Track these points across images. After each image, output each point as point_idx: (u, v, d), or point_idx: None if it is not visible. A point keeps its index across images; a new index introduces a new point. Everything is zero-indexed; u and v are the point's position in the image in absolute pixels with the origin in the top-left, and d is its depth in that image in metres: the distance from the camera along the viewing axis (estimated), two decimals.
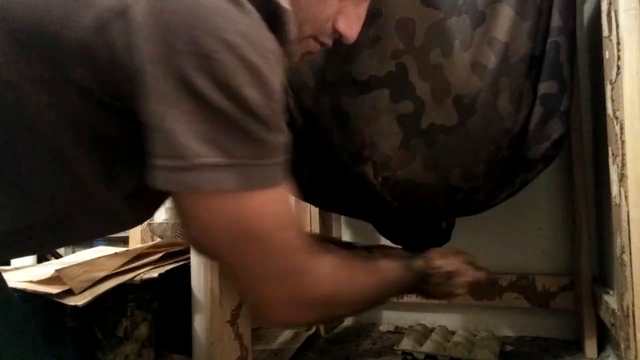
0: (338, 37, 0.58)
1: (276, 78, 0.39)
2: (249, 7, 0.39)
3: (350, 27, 0.56)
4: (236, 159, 0.39)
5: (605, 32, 0.74)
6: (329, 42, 0.58)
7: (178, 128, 0.37)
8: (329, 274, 0.51)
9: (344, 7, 0.55)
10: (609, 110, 0.75)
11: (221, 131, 0.38)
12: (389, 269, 0.66)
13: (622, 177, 0.70)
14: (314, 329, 1.27)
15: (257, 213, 0.41)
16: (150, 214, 0.56)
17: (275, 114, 0.40)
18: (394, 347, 1.10)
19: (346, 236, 1.44)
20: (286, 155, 0.43)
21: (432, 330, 1.20)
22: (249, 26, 0.38)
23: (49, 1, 0.39)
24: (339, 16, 0.55)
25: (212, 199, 0.39)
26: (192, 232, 0.43)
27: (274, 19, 0.42)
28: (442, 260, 0.74)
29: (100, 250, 0.95)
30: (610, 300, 0.93)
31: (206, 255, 0.57)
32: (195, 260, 0.83)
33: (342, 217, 1.43)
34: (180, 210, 0.42)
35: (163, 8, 0.36)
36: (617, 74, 0.69)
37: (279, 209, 0.44)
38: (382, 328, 1.31)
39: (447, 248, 0.85)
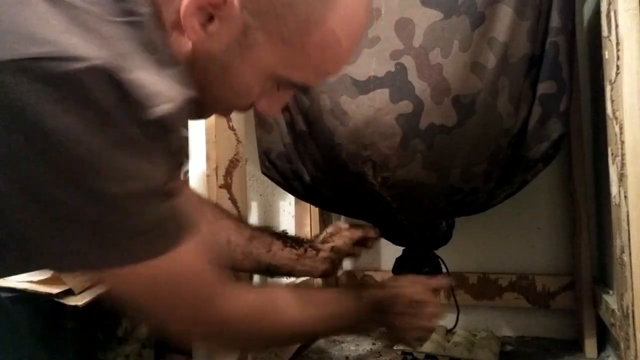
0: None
1: (129, 158, 0.35)
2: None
3: (270, 107, 0.52)
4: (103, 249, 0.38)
5: (604, 32, 0.74)
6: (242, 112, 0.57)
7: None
8: (247, 313, 0.52)
9: (267, 91, 0.49)
10: (609, 110, 0.75)
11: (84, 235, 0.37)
12: (334, 299, 0.63)
13: (621, 177, 0.70)
14: None
15: (152, 279, 0.42)
16: None
17: (135, 195, 0.37)
18: (394, 347, 1.10)
19: None
20: (167, 217, 0.40)
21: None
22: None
23: None
24: (261, 97, 0.49)
25: (110, 276, 0.41)
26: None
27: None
28: (406, 288, 0.69)
29: None
30: (610, 300, 0.93)
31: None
32: None
33: (342, 217, 1.43)
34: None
35: None
36: (617, 74, 0.69)
37: (180, 268, 0.43)
38: (382, 328, 1.31)
39: (409, 276, 0.80)
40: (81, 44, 0.32)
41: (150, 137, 0.35)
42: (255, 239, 0.77)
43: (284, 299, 0.58)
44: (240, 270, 0.88)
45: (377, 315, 0.66)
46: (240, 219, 0.80)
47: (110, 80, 0.33)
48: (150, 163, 0.36)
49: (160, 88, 0.35)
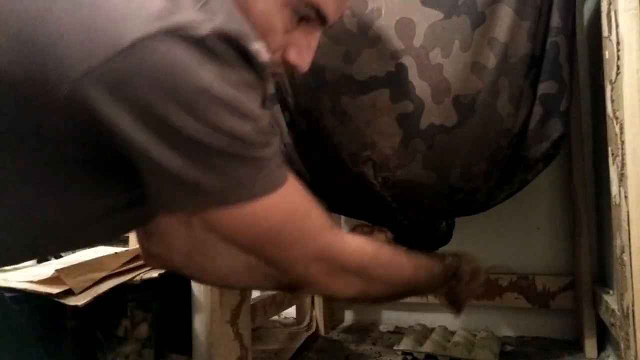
0: (291, 68, 0.56)
1: (252, 102, 0.42)
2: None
3: (301, 57, 0.54)
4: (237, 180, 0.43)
5: (605, 32, 0.74)
6: (279, 71, 0.59)
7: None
8: (359, 247, 0.56)
9: (293, 38, 0.52)
10: (609, 110, 0.75)
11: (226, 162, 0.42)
12: (425, 258, 0.67)
13: (622, 177, 0.70)
14: (314, 328, 1.27)
15: (272, 214, 0.47)
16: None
17: (260, 131, 0.43)
18: (394, 347, 1.10)
19: None
20: (278, 154, 0.47)
21: (432, 330, 1.20)
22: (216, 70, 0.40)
23: None
24: (288, 47, 0.53)
25: (231, 213, 0.45)
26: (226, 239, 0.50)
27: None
28: (464, 259, 0.75)
29: (100, 250, 0.95)
30: (610, 300, 0.93)
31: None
32: None
33: (342, 217, 1.43)
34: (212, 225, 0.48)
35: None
36: (617, 73, 0.69)
37: (293, 201, 0.49)
38: (382, 328, 1.31)
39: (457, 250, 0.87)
40: (194, 18, 0.38)
41: (257, 83, 0.42)
42: None
43: (394, 252, 0.63)
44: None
45: (452, 281, 0.72)
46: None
47: (226, 38, 0.39)
48: (259, 106, 0.43)
49: (256, 46, 0.41)
